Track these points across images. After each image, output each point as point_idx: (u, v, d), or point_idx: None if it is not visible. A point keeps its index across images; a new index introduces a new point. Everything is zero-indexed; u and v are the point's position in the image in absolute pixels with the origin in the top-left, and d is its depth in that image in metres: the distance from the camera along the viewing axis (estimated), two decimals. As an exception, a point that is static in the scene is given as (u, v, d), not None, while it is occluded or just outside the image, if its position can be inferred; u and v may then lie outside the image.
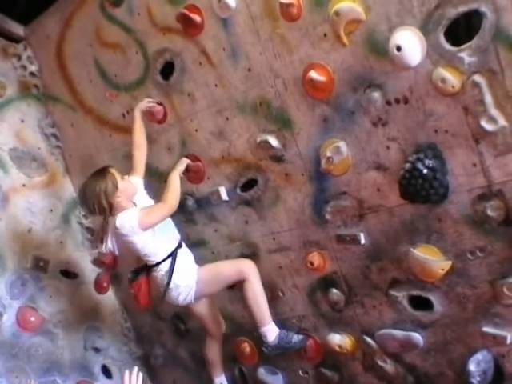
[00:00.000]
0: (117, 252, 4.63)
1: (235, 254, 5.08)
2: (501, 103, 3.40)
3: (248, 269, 4.67)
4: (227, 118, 4.69)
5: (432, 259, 3.92)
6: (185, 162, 4.91)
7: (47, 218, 6.08)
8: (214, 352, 5.21)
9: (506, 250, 3.68)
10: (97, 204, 4.37)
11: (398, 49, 3.55)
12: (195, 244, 5.08)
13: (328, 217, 4.38)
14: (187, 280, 4.62)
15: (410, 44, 3.54)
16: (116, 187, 4.38)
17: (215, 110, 4.74)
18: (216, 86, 4.66)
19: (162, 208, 4.50)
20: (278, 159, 4.51)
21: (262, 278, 4.68)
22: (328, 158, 4.13)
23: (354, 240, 4.32)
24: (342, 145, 4.09)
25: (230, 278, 4.72)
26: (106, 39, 5.32)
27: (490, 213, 3.62)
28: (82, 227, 6.26)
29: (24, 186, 5.95)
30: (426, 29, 3.52)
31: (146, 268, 4.68)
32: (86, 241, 6.28)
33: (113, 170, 4.48)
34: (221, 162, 4.88)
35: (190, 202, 5.17)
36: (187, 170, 4.91)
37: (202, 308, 4.95)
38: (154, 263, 4.56)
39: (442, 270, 3.92)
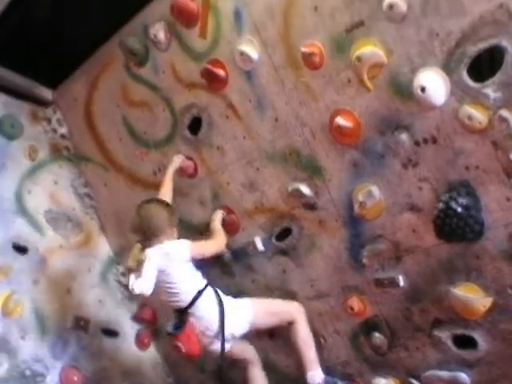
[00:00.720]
0: (149, 292, 4.35)
1: (274, 304, 5.04)
2: (529, 136, 3.40)
3: (297, 310, 4.69)
4: (258, 169, 4.73)
5: (473, 297, 3.88)
6: (220, 213, 5.00)
7: (85, 278, 6.09)
8: (259, 379, 5.05)
9: (547, 284, 3.64)
10: (154, 225, 4.46)
11: (423, 90, 3.58)
12: (234, 295, 5.02)
13: (365, 261, 4.37)
14: (244, 310, 4.63)
15: (433, 84, 3.57)
16: (173, 222, 4.59)
17: (245, 161, 4.78)
18: (244, 137, 4.70)
19: (214, 244, 4.71)
20: (310, 207, 4.52)
21: (303, 325, 4.68)
22: (361, 202, 4.14)
23: (393, 283, 4.29)
24: (374, 189, 4.10)
25: (281, 318, 4.69)
26: (133, 98, 5.39)
27: (527, 246, 3.59)
28: (121, 285, 6.26)
29: (61, 246, 5.97)
30: (448, 68, 3.54)
31: (183, 314, 4.55)
32: (125, 298, 6.29)
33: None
34: (254, 212, 4.91)
35: (227, 254, 5.18)
36: (222, 223, 4.95)
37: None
38: (186, 304, 4.48)
39: (484, 307, 3.87)
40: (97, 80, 5.62)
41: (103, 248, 6.28)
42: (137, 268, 4.39)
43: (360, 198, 4.15)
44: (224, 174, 4.97)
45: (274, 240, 4.88)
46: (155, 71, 5.10)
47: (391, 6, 3.61)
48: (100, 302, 6.14)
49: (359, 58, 3.83)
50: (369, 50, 3.79)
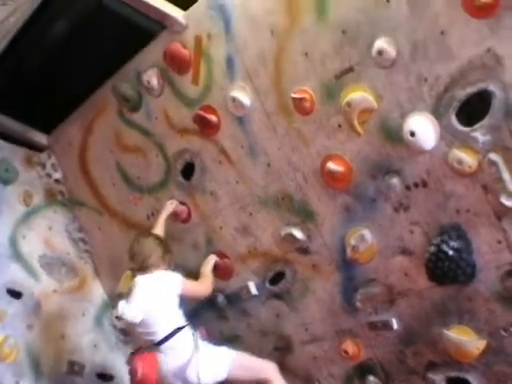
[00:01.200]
0: (138, 320, 4.33)
1: (269, 348, 5.05)
2: (519, 179, 3.43)
3: (273, 370, 4.58)
4: (251, 214, 4.75)
5: (466, 340, 3.88)
6: (213, 258, 5.00)
7: (80, 322, 6.09)
8: None
9: (540, 324, 3.65)
10: (147, 262, 4.49)
11: (412, 134, 3.62)
12: (229, 340, 5.07)
13: (358, 304, 4.37)
14: (220, 360, 4.53)
15: (423, 129, 3.61)
16: (165, 258, 4.60)
17: (238, 206, 4.81)
18: (237, 182, 4.74)
19: (203, 287, 4.71)
20: (304, 251, 4.54)
21: (298, 369, 4.72)
22: (353, 246, 4.16)
23: (386, 326, 4.30)
24: (366, 232, 4.12)
25: (257, 374, 4.58)
26: (127, 143, 5.44)
27: (519, 288, 3.60)
28: (115, 329, 6.26)
29: (55, 291, 5.98)
30: (437, 112, 3.58)
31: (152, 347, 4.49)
32: (119, 342, 6.27)
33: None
34: (248, 257, 4.93)
35: (221, 299, 5.19)
36: (215, 267, 4.96)
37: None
38: (158, 339, 4.41)
39: (478, 349, 3.86)
40: (91, 125, 5.67)
41: (97, 292, 6.28)
42: (126, 294, 4.42)
43: (352, 241, 4.17)
44: (217, 219, 5.00)
45: (267, 284, 4.89)
46: (148, 117, 5.15)
47: (380, 52, 3.66)
48: (95, 346, 6.14)
49: (349, 104, 3.87)
50: (358, 95, 3.84)
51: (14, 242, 5.81)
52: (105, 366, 6.16)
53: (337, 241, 4.33)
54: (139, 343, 4.65)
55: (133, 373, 4.45)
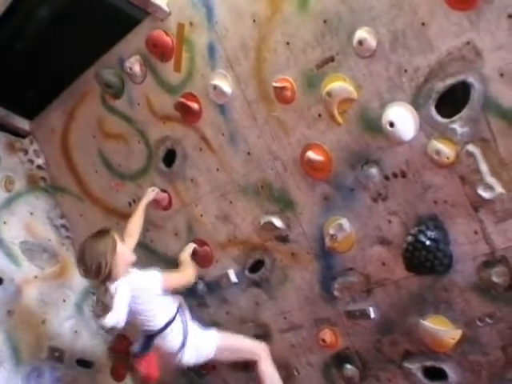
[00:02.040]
0: (122, 324, 4.31)
1: (248, 335, 5.02)
2: (496, 170, 3.46)
3: (262, 350, 4.72)
4: (231, 202, 4.76)
5: (442, 329, 3.91)
6: (191, 246, 5.02)
7: (61, 309, 6.07)
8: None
9: (516, 315, 3.69)
10: (95, 264, 4.17)
11: (391, 125, 3.63)
12: (209, 327, 5.06)
13: (336, 293, 4.39)
14: (206, 344, 4.65)
15: (402, 119, 3.63)
16: (115, 250, 4.24)
17: (218, 194, 4.81)
18: (218, 170, 4.74)
19: (184, 276, 4.66)
20: (283, 239, 4.56)
21: (276, 357, 4.71)
22: (331, 235, 4.18)
23: (364, 315, 4.32)
24: (345, 222, 4.14)
25: (243, 355, 4.77)
26: (109, 130, 5.42)
27: (495, 279, 3.63)
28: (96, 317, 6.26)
29: (36, 277, 5.96)
30: (416, 103, 3.60)
31: (151, 338, 4.56)
32: (100, 329, 6.27)
33: (113, 233, 4.37)
34: (227, 245, 4.93)
35: (201, 286, 5.19)
36: (194, 253, 4.98)
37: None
38: (157, 329, 4.47)
39: (453, 339, 3.90)
40: (73, 111, 5.64)
41: (79, 279, 6.19)
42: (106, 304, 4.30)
43: (331, 231, 4.18)
44: (198, 207, 5.00)
45: (247, 272, 4.90)
46: (130, 104, 5.14)
47: (361, 42, 3.67)
48: (75, 332, 6.12)
49: (329, 94, 3.88)
50: (338, 85, 3.85)
51: (-5, 228, 5.81)
52: (85, 353, 6.14)
53: (315, 230, 4.34)
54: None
55: (141, 375, 4.59)
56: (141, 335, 4.63)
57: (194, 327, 4.67)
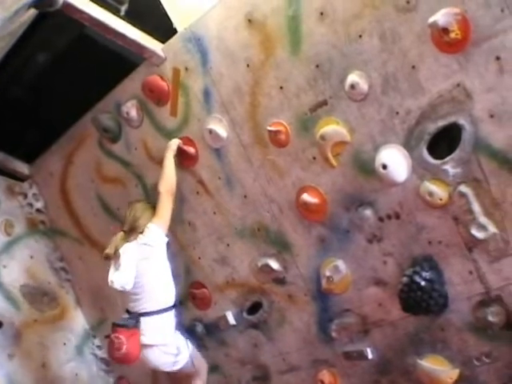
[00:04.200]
0: (130, 286, 4.47)
1: (247, 377, 5.07)
2: (489, 210, 3.49)
3: (205, 371, 4.93)
4: (228, 245, 4.78)
5: (440, 369, 3.91)
6: (176, 142, 4.72)
7: (61, 352, 6.08)
8: None
9: (512, 354, 3.70)
10: (137, 220, 4.64)
11: (384, 167, 3.67)
12: (208, 369, 5.07)
13: (334, 334, 4.40)
14: (185, 349, 4.77)
15: (395, 161, 3.67)
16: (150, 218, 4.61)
17: (215, 237, 4.84)
18: (215, 213, 4.77)
19: (164, 199, 4.60)
20: (280, 281, 4.57)
21: (276, 399, 4.73)
22: (328, 277, 4.20)
23: (362, 355, 4.32)
24: (341, 263, 4.16)
25: (196, 371, 4.88)
26: (107, 174, 5.46)
27: (491, 318, 3.64)
28: (97, 358, 6.26)
29: (36, 321, 5.97)
30: (409, 145, 3.65)
31: (137, 317, 4.56)
32: (101, 371, 6.27)
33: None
34: (226, 287, 4.94)
35: (199, 329, 5.20)
36: (180, 153, 4.75)
37: None
38: (146, 310, 4.53)
39: (451, 378, 3.90)
40: (72, 155, 5.68)
41: (79, 321, 6.27)
42: (114, 259, 4.51)
43: (327, 272, 4.20)
44: (196, 250, 5.02)
45: (245, 314, 4.90)
46: (128, 148, 5.18)
47: (353, 86, 3.72)
48: (76, 375, 6.12)
49: (323, 137, 3.93)
50: (332, 128, 3.90)
51: (-5, 272, 5.81)
52: (85, 395, 6.15)
53: (312, 271, 4.37)
54: (123, 305, 4.74)
55: (115, 345, 4.48)
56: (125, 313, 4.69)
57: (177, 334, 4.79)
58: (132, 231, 4.64)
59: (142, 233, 4.55)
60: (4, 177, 6.07)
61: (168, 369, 4.73)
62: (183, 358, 4.74)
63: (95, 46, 4.97)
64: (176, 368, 4.73)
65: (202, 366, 4.98)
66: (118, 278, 4.37)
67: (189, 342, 4.86)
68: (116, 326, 4.56)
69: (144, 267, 4.47)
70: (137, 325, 4.51)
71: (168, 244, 4.85)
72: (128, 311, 4.64)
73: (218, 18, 4.25)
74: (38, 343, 5.93)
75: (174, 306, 4.69)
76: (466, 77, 3.35)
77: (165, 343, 4.61)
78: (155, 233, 4.52)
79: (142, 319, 4.52)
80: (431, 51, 3.41)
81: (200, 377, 4.88)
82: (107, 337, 4.71)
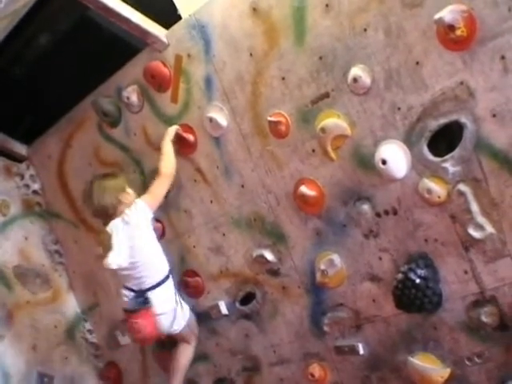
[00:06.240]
0: (125, 264, 4.40)
1: (237, 367, 5.07)
2: (487, 210, 3.47)
3: (196, 337, 4.95)
4: (224, 234, 4.77)
5: (431, 367, 3.89)
6: (174, 128, 4.67)
7: (51, 334, 6.07)
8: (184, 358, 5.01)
9: (504, 355, 3.67)
10: (103, 201, 4.42)
11: (384, 162, 3.64)
12: (198, 358, 5.07)
13: (326, 328, 4.38)
14: (186, 312, 4.81)
15: (394, 157, 3.65)
16: (124, 189, 4.50)
17: (212, 225, 4.82)
18: (211, 202, 4.75)
19: (162, 180, 4.53)
20: (274, 273, 4.56)
21: (266, 391, 4.73)
22: (322, 270, 4.18)
23: (353, 350, 4.31)
24: (336, 257, 4.14)
25: (191, 334, 4.94)
26: (105, 158, 5.43)
27: (484, 319, 3.62)
28: (87, 342, 6.25)
29: (28, 302, 5.96)
30: (409, 141, 3.62)
31: (143, 293, 4.54)
32: (90, 356, 6.26)
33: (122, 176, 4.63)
34: (219, 276, 4.93)
35: (192, 316, 5.18)
36: (179, 140, 4.70)
37: None
38: (151, 285, 4.51)
39: (442, 377, 3.87)
40: (70, 138, 5.66)
41: (71, 305, 6.25)
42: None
43: (322, 266, 4.18)
44: (191, 238, 5.00)
45: (238, 304, 4.89)
46: (127, 133, 5.16)
47: (355, 80, 3.69)
48: (66, 359, 6.11)
49: (323, 129, 3.90)
50: (332, 121, 3.87)
51: (-12, 252, 5.81)
52: (74, 379, 6.13)
53: (307, 264, 4.35)
54: (122, 283, 4.66)
55: (135, 329, 4.53)
56: (125, 291, 4.62)
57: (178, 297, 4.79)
58: (110, 217, 4.47)
59: (128, 207, 4.45)
60: (1, 157, 6.04)
61: (180, 329, 4.75)
62: (186, 315, 4.78)
63: (98, 29, 4.95)
64: (184, 325, 4.78)
65: (195, 326, 5.00)
66: (113, 258, 4.33)
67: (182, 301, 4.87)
68: (129, 313, 4.58)
69: (136, 246, 4.40)
70: (146, 301, 4.50)
71: (164, 231, 4.88)
72: (132, 290, 4.58)
73: (222, 6, 4.22)
74: (29, 325, 5.91)
75: (170, 270, 4.67)
76: (469, 75, 3.32)
77: (174, 307, 4.63)
78: (141, 211, 4.42)
79: (150, 293, 4.50)
80: (436, 48, 3.38)
81: (195, 335, 4.94)
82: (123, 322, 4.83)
